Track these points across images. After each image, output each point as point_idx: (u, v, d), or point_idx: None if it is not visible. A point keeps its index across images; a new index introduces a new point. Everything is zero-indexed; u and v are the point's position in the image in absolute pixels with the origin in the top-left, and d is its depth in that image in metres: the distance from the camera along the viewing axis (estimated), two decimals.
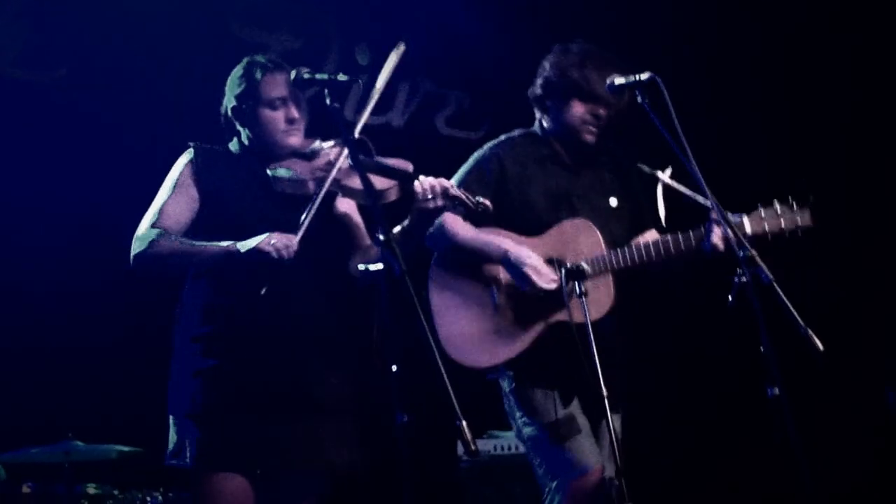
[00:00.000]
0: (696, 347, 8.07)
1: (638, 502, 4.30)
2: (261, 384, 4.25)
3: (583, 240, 4.88)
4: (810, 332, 4.12)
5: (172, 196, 4.41)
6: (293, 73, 4.18)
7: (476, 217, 4.71)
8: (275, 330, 4.30)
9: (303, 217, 4.23)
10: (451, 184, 4.32)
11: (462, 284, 4.93)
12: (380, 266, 3.79)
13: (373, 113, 4.48)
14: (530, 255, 4.79)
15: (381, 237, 3.73)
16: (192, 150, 4.51)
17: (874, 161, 7.92)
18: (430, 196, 4.25)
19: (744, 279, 4.30)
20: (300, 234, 4.20)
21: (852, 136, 7.95)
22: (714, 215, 4.72)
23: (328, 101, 4.04)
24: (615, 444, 4.41)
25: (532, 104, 5.14)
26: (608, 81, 4.66)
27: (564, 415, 4.78)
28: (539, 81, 5.08)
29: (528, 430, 4.87)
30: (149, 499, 6.29)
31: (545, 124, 5.09)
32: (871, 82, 7.91)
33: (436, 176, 4.72)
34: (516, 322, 4.84)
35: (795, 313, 4.12)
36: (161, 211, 4.37)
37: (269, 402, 4.24)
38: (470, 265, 4.92)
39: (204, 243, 4.30)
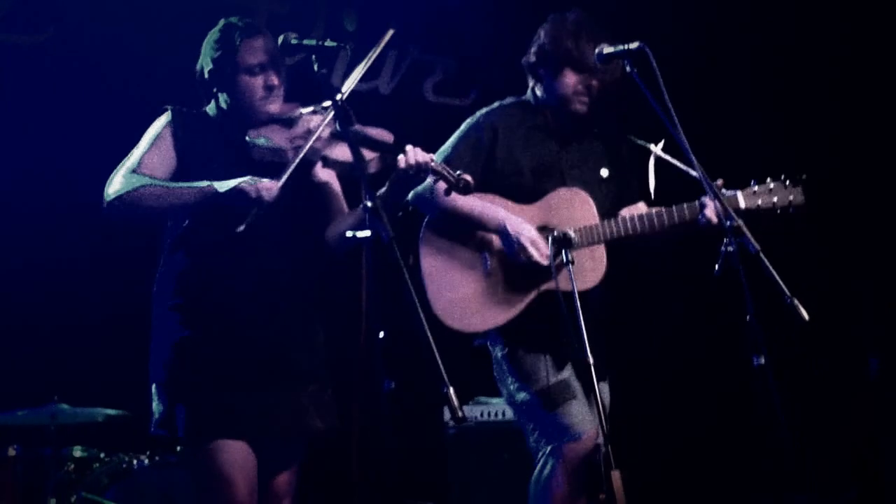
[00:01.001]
0: (682, 317, 8.10)
1: (624, 469, 4.31)
2: (239, 352, 4.25)
3: (577, 209, 4.88)
4: (796, 301, 4.14)
5: (151, 150, 4.36)
6: (280, 39, 4.14)
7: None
8: (251, 298, 4.30)
9: (284, 171, 4.22)
10: (432, 158, 4.29)
11: (454, 249, 4.91)
12: (367, 233, 3.79)
13: (360, 80, 4.46)
14: (527, 227, 4.79)
15: (369, 204, 3.73)
16: (169, 112, 4.47)
17: (867, 136, 7.92)
18: (411, 170, 4.24)
19: (730, 248, 4.33)
20: (282, 180, 4.19)
21: (847, 114, 7.95)
22: (707, 199, 4.77)
23: (315, 68, 4.02)
24: (601, 411, 4.42)
25: (526, 72, 5.12)
26: (597, 50, 4.67)
27: (558, 380, 4.79)
28: (533, 49, 5.05)
29: (520, 396, 4.87)
30: (135, 462, 6.29)
31: (538, 93, 5.06)
32: (869, 58, 7.91)
33: (424, 144, 4.74)
34: (508, 288, 4.84)
35: (781, 283, 4.14)
36: (140, 162, 4.32)
37: (248, 370, 4.24)
38: (463, 230, 4.91)
39: (182, 184, 4.27)
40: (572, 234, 4.68)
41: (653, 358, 7.96)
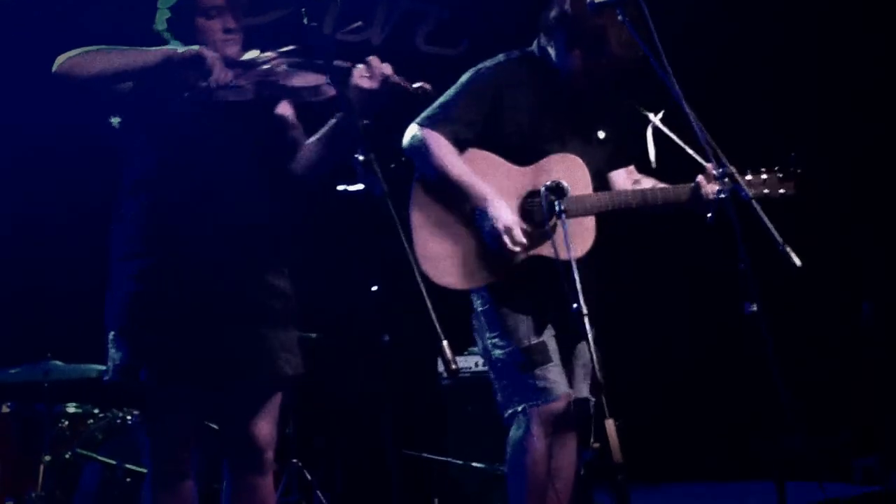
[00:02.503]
0: (674, 264, 8.11)
1: (617, 418, 4.32)
2: (200, 297, 4.19)
3: (571, 176, 4.82)
4: (788, 248, 4.14)
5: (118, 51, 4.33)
6: None
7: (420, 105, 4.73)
8: (213, 241, 4.24)
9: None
10: (391, 70, 4.25)
11: (445, 203, 4.85)
12: (360, 186, 3.78)
13: (351, 32, 4.44)
14: (507, 214, 4.71)
15: (361, 157, 3.71)
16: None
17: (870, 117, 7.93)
18: (374, 82, 4.18)
19: (722, 195, 4.33)
20: (236, 72, 4.21)
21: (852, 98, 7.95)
22: (702, 179, 4.75)
23: (305, 21, 4.00)
24: (594, 359, 4.41)
25: (540, 27, 5.01)
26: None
27: (538, 341, 4.76)
28: (555, 13, 4.90)
29: (497, 353, 4.85)
30: (129, 418, 6.28)
31: (549, 51, 4.97)
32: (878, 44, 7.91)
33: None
34: (497, 252, 4.76)
35: (773, 230, 4.13)
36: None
37: (211, 314, 4.19)
38: (452, 195, 4.84)
39: (139, 48, 4.23)
40: (565, 184, 4.66)
41: (645, 306, 7.98)
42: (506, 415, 4.82)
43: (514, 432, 4.81)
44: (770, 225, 4.14)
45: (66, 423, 6.30)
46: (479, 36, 5.22)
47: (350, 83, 4.20)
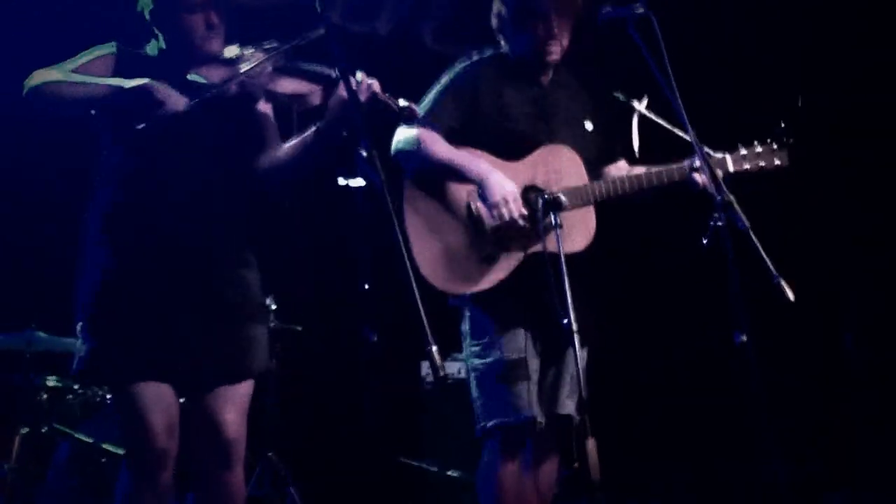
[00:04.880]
0: (666, 289, 8.09)
1: (599, 439, 4.30)
2: (167, 291, 4.19)
3: (565, 167, 4.82)
4: (782, 281, 4.14)
5: (91, 62, 4.34)
6: None
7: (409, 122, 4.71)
8: (182, 235, 4.25)
9: (204, 92, 4.22)
10: (379, 86, 4.23)
11: (439, 205, 4.82)
12: (360, 182, 3.76)
13: (358, 21, 4.44)
14: (509, 184, 4.70)
15: (364, 153, 3.70)
16: (115, 45, 4.41)
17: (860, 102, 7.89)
18: (360, 96, 4.13)
19: (719, 223, 4.32)
20: (194, 101, 4.19)
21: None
22: (697, 160, 4.76)
23: (318, 9, 3.98)
24: (580, 378, 4.40)
25: (496, 33, 5.05)
26: (601, 12, 4.62)
27: (518, 357, 4.73)
28: (494, 10, 5.01)
29: (476, 362, 4.82)
30: (108, 396, 6.26)
31: (511, 49, 5.00)
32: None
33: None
34: (495, 250, 4.75)
35: (768, 261, 4.13)
36: (77, 70, 4.30)
37: (176, 308, 4.19)
38: (448, 186, 4.84)
39: (97, 79, 4.24)
40: (563, 198, 4.64)
41: (633, 327, 7.95)
42: (477, 428, 4.80)
43: (484, 457, 4.80)
44: (765, 256, 4.14)
45: (45, 396, 6.27)
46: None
47: (335, 93, 4.21)
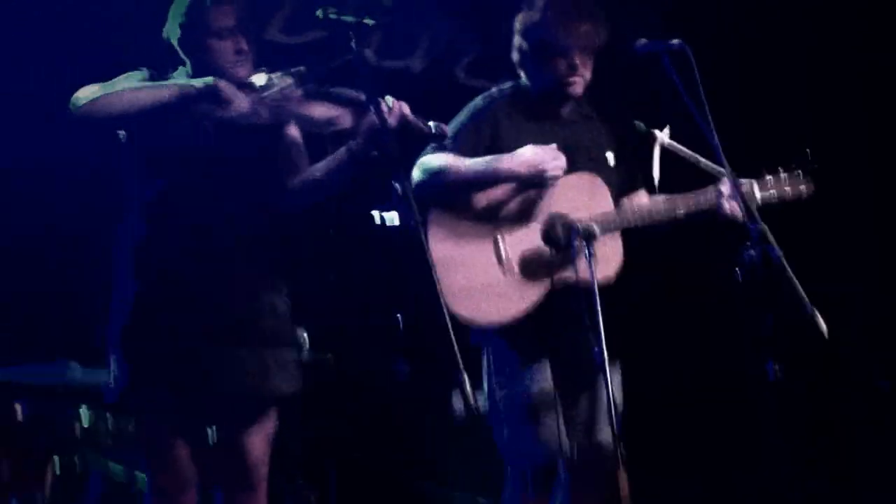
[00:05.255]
0: (698, 321, 8.05)
1: (632, 470, 4.29)
2: (201, 317, 4.23)
3: (592, 195, 4.82)
4: (817, 314, 4.13)
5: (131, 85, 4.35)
6: (319, 13, 4.12)
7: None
8: (213, 258, 4.28)
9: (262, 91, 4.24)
10: (409, 109, 4.25)
11: (465, 236, 4.78)
12: (394, 216, 3.77)
13: (393, 57, 4.45)
14: (536, 149, 4.71)
15: (398, 187, 3.70)
16: (146, 71, 4.44)
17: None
18: (391, 120, 4.16)
19: (753, 253, 4.30)
20: (255, 103, 4.22)
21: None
22: (724, 187, 4.75)
23: (353, 45, 4.00)
24: (613, 409, 4.37)
25: (517, 67, 5.05)
26: (637, 45, 4.61)
27: (544, 390, 4.71)
28: (515, 46, 5.00)
29: (500, 395, 4.80)
30: None
31: (532, 83, 4.99)
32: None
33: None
34: (522, 280, 4.74)
35: (803, 293, 4.11)
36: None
37: (212, 335, 4.22)
38: (473, 215, 4.80)
39: (158, 82, 4.29)
40: (596, 228, 4.62)
41: (665, 361, 7.92)
42: (506, 464, 4.78)
43: (507, 492, 4.78)
44: (799, 287, 4.12)
45: (78, 427, 6.28)
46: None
47: (365, 115, 4.20)
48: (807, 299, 4.12)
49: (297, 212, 4.53)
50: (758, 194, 4.81)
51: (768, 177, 4.88)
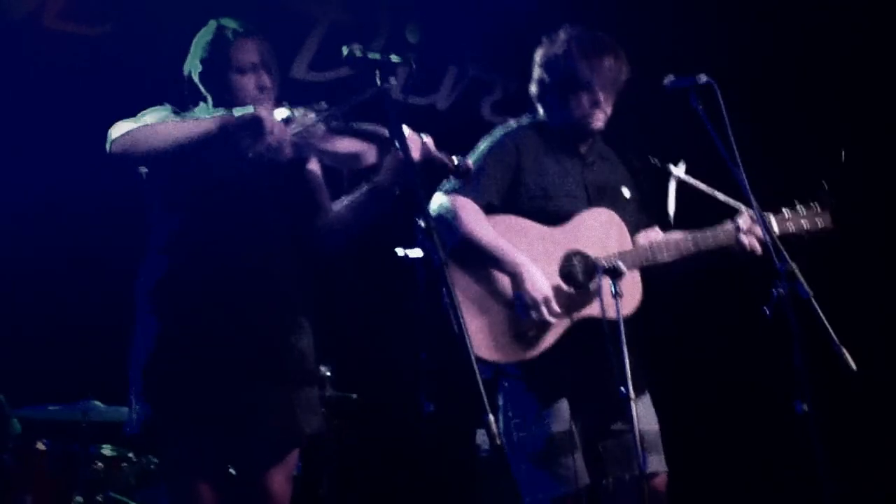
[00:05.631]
0: (727, 359, 8.02)
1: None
2: (224, 353, 4.17)
3: (608, 232, 4.78)
4: (844, 350, 4.11)
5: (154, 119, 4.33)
6: (345, 50, 4.09)
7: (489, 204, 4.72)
8: (238, 296, 4.23)
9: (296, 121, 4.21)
10: (432, 142, 4.23)
11: (480, 272, 4.73)
12: (419, 252, 3.75)
13: (418, 94, 4.44)
14: (542, 283, 4.61)
15: (422, 224, 3.67)
16: (169, 107, 4.42)
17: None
18: (417, 155, 4.13)
19: (781, 291, 4.27)
20: (295, 132, 4.20)
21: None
22: (741, 221, 4.74)
23: (379, 82, 3.99)
24: (638, 446, 4.33)
25: (534, 101, 5.03)
26: (665, 81, 4.61)
27: (561, 429, 4.63)
28: (535, 81, 4.98)
29: (518, 435, 4.71)
30: None
31: (549, 114, 4.97)
32: None
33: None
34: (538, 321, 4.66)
35: (831, 330, 4.10)
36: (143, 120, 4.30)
37: (233, 370, 4.17)
38: (489, 263, 4.75)
39: (193, 117, 4.26)
40: (622, 266, 4.57)
41: (693, 397, 7.89)
42: (526, 501, 4.74)
43: None
44: (827, 323, 4.10)
45: (101, 465, 6.29)
46: None
47: (389, 151, 4.21)
48: (835, 336, 4.09)
49: (328, 254, 4.52)
50: (776, 227, 4.78)
51: (786, 212, 4.86)
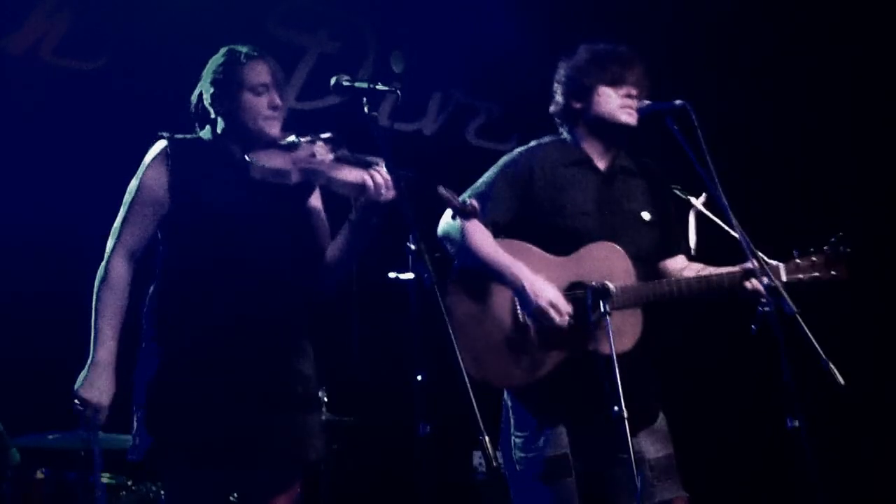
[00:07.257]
0: (716, 375, 8.06)
1: None
2: (228, 380, 4.21)
3: (613, 266, 4.72)
4: (832, 365, 4.12)
5: (129, 216, 4.38)
6: (333, 80, 4.15)
7: (497, 231, 4.75)
8: (241, 324, 4.27)
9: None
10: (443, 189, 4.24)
11: (485, 298, 4.75)
12: (410, 275, 3.78)
13: (405, 120, 4.48)
14: (548, 288, 4.62)
15: (413, 246, 3.71)
16: (163, 141, 4.44)
17: None
18: (382, 183, 4.22)
19: (767, 308, 4.30)
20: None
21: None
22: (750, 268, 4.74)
23: (366, 110, 4.05)
24: (633, 467, 4.30)
25: (557, 120, 5.04)
26: (637, 106, 4.67)
27: (560, 453, 4.67)
28: (559, 92, 4.98)
29: (518, 454, 4.76)
30: (162, 492, 6.28)
31: (575, 133, 4.97)
32: None
33: (464, 186, 4.74)
34: (539, 344, 4.67)
35: (818, 346, 4.11)
36: (119, 239, 4.36)
37: (237, 397, 4.20)
38: (493, 281, 4.77)
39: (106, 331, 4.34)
40: (611, 286, 4.56)
41: (684, 415, 7.93)
42: None
43: None
44: (814, 340, 4.13)
45: (99, 492, 6.29)
46: (530, 131, 5.30)
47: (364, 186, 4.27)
48: (822, 351, 4.11)
49: (331, 292, 4.58)
50: (783, 275, 4.68)
51: (798, 259, 4.74)
